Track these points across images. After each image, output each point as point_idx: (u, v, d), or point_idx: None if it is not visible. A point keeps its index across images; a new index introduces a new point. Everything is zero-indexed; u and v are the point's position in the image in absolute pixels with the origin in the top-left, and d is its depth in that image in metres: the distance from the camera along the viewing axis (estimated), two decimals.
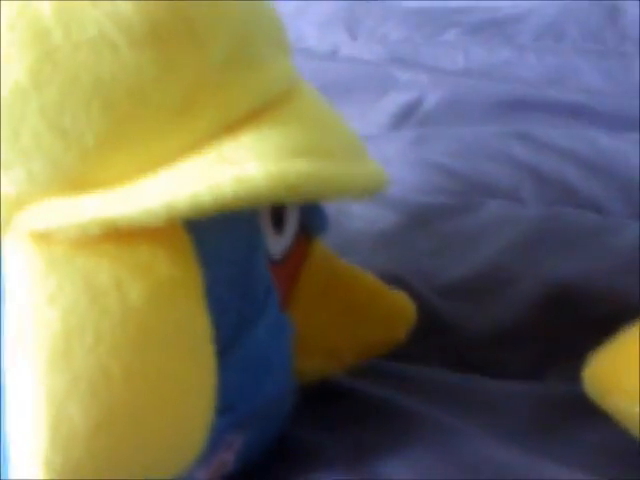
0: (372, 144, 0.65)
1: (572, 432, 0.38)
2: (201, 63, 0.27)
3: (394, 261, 0.49)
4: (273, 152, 0.26)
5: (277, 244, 0.33)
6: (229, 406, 0.31)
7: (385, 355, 0.41)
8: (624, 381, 0.33)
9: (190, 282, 0.27)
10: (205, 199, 0.24)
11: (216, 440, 0.32)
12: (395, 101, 0.70)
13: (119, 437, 0.25)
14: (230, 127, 0.27)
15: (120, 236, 0.25)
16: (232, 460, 0.34)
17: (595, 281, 0.47)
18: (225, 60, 0.28)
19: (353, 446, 0.36)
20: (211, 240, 0.29)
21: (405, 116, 0.69)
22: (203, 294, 0.27)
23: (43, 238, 0.26)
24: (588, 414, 0.37)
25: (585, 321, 0.39)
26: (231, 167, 0.25)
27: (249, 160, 0.25)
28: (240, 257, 0.31)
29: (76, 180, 0.26)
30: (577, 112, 0.69)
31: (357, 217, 0.54)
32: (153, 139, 0.27)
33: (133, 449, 0.25)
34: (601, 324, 0.36)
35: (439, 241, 0.51)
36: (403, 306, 0.39)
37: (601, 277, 0.48)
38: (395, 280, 0.43)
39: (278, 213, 0.34)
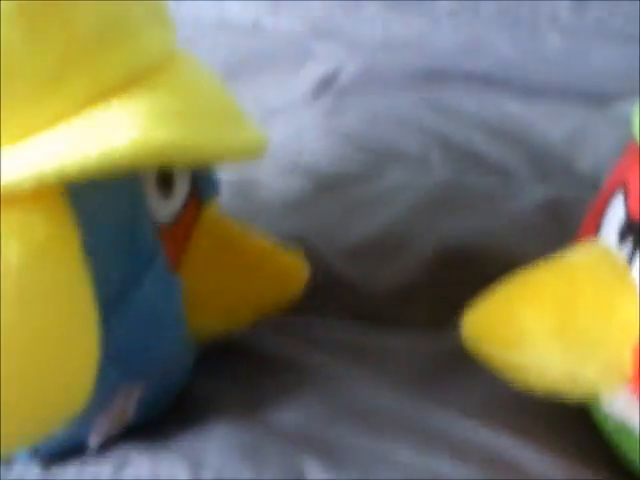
0: (289, 115, 0.67)
1: (460, 380, 0.41)
2: (70, 37, 0.28)
3: (300, 226, 0.51)
4: (140, 120, 0.28)
5: (165, 207, 0.35)
6: (121, 357, 0.33)
7: (286, 310, 0.43)
8: (496, 330, 0.36)
9: (67, 242, 0.28)
10: (71, 169, 0.26)
11: (111, 390, 0.34)
12: (313, 73, 0.72)
13: (2, 386, 0.27)
14: (102, 97, 0.29)
15: None
16: (132, 409, 0.37)
17: (491, 241, 0.50)
18: (95, 33, 0.29)
19: (249, 397, 0.39)
20: (90, 203, 0.31)
21: (323, 87, 0.71)
22: (81, 254, 0.29)
23: None
24: (478, 364, 0.40)
25: (478, 278, 0.41)
26: (97, 136, 0.27)
27: (115, 128, 0.27)
28: (122, 219, 0.33)
29: None
30: (489, 81, 0.71)
31: (267, 186, 0.56)
32: (24, 111, 0.28)
33: (16, 403, 0.27)
34: (493, 281, 0.38)
35: (344, 206, 0.53)
36: (296, 264, 0.41)
37: (497, 237, 0.50)
38: (300, 243, 0.45)
39: (166, 178, 0.35)
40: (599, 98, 0.70)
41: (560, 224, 0.51)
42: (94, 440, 0.36)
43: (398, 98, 0.68)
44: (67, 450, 0.36)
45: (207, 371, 0.40)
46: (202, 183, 0.38)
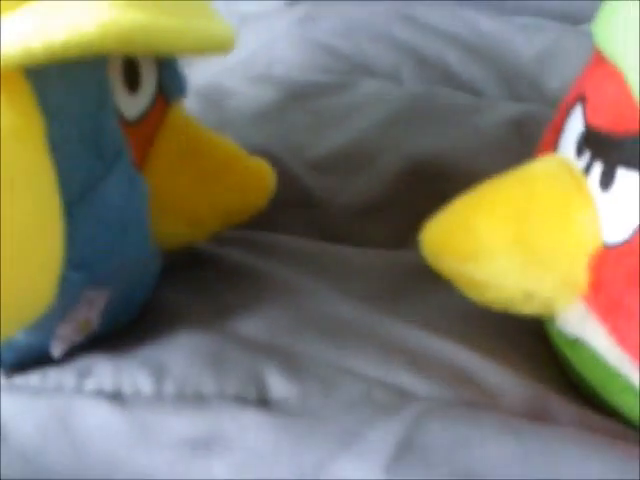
0: (261, 23, 0.65)
1: (424, 295, 0.41)
2: None
3: (268, 137, 0.50)
4: (109, 3, 0.27)
5: (131, 104, 0.34)
6: (84, 262, 0.32)
7: (252, 225, 0.43)
8: (452, 243, 0.36)
9: (32, 132, 0.27)
10: (36, 48, 0.25)
11: (74, 296, 0.33)
12: None
13: None
14: None
15: None
16: (96, 319, 0.36)
17: (458, 157, 0.49)
18: None
19: (212, 307, 0.38)
20: (54, 93, 0.29)
21: None
22: (46, 145, 0.28)
23: None
24: (440, 280, 0.40)
25: (443, 195, 0.42)
26: (65, 17, 0.26)
27: (83, 10, 0.26)
28: (87, 112, 0.31)
29: None
30: None
31: (237, 94, 0.55)
32: None
33: None
34: (457, 197, 0.38)
35: (313, 117, 0.52)
36: (262, 173, 0.40)
37: (465, 154, 0.50)
38: (267, 154, 0.44)
39: (132, 73, 0.34)
40: (574, 18, 0.69)
41: (526, 141, 0.51)
42: (57, 349, 0.35)
43: (373, 9, 0.67)
44: (29, 360, 0.35)
45: (170, 282, 0.40)
46: (169, 82, 0.37)
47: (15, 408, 0.34)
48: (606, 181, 0.33)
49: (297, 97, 0.54)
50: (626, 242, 0.32)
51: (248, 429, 0.31)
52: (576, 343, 0.36)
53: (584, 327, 0.34)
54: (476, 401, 0.34)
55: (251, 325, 0.37)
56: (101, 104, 0.32)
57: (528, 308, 0.36)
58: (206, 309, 0.38)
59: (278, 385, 0.34)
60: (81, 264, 0.32)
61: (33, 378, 0.35)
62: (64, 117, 0.30)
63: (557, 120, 0.38)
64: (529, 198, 0.35)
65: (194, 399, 0.33)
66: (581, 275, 0.34)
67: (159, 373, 0.34)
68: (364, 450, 0.31)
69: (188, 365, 0.34)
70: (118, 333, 0.37)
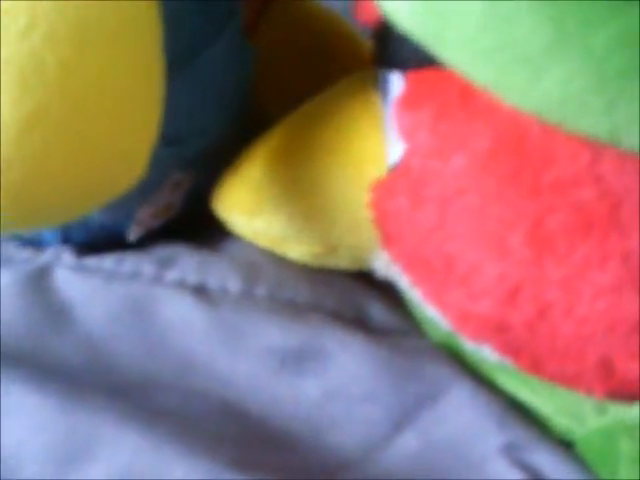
0: None
1: None
2: None
3: None
4: None
5: None
6: (177, 137, 0.29)
7: None
8: (241, 198, 0.30)
9: None
10: None
11: (160, 175, 0.30)
12: None
13: (51, 137, 0.22)
14: None
15: None
16: (179, 204, 0.33)
17: None
18: None
19: None
20: None
21: None
22: None
23: None
24: None
25: None
26: None
27: None
28: None
29: None
30: None
31: None
32: None
33: (66, 153, 0.23)
34: None
35: None
36: None
37: None
38: None
39: None
40: None
41: None
42: (134, 233, 0.32)
43: None
44: (101, 241, 0.32)
45: None
46: None
47: (85, 290, 0.30)
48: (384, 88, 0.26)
49: None
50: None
51: (348, 348, 0.28)
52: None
53: (391, 270, 0.28)
54: None
55: None
56: None
57: (336, 261, 0.30)
58: None
59: (376, 315, 0.30)
60: (174, 139, 0.29)
61: (107, 261, 0.31)
62: None
63: None
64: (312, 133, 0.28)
65: (287, 306, 0.29)
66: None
67: (250, 273, 0.30)
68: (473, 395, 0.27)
69: (282, 270, 0.30)
70: (199, 225, 0.34)
